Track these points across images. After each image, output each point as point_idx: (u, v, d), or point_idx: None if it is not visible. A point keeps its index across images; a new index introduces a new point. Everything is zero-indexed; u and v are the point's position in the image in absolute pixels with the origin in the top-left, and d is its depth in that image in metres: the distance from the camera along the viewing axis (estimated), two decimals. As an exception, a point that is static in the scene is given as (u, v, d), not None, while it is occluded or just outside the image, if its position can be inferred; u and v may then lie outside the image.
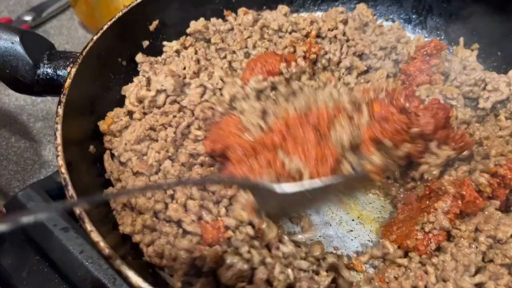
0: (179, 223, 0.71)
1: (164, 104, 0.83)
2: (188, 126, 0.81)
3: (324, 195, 0.76)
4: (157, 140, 0.79)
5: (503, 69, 0.97)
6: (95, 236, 0.56)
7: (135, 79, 0.88)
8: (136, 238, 0.69)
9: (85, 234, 0.56)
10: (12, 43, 0.75)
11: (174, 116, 0.82)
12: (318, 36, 1.00)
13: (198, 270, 0.66)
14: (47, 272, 0.78)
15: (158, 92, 0.83)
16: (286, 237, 0.73)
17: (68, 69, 0.76)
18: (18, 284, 0.76)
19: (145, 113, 0.84)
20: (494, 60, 1.00)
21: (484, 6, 0.99)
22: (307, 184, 0.67)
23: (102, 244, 0.56)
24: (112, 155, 0.79)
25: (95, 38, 0.81)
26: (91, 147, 0.77)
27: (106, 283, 0.71)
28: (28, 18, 1.35)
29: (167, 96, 0.83)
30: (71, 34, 1.35)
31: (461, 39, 1.03)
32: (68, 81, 0.73)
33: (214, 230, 0.70)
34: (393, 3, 1.10)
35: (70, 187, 0.61)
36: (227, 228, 0.70)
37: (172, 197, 0.73)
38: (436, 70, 0.92)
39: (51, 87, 0.78)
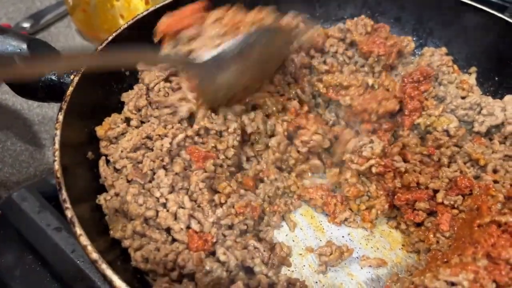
0: (168, 230, 0.73)
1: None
2: (185, 139, 0.83)
3: (252, 60, 0.80)
4: (152, 149, 0.81)
5: (499, 94, 0.99)
6: (84, 240, 0.59)
7: (135, 87, 0.90)
8: (126, 243, 0.71)
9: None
10: (20, 49, 0.79)
11: (172, 127, 0.84)
12: (322, 51, 1.03)
13: (179, 275, 0.68)
14: (40, 271, 0.80)
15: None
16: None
17: (72, 77, 0.79)
18: (10, 282, 0.78)
19: (142, 122, 0.86)
20: (492, 85, 1.02)
21: (484, 33, 1.01)
22: (222, 46, 0.74)
23: (89, 248, 0.58)
24: (108, 161, 0.81)
25: (99, 48, 0.84)
26: (90, 153, 0.79)
27: (97, 281, 0.74)
28: (26, 25, 1.39)
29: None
30: (68, 42, 1.39)
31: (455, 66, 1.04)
32: (70, 88, 0.76)
33: (200, 240, 0.72)
34: (395, 25, 1.12)
35: (63, 191, 0.63)
36: (213, 243, 0.72)
37: (164, 205, 0.75)
38: (428, 95, 0.94)
39: (54, 93, 0.82)
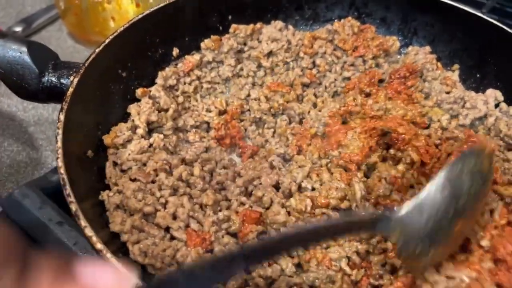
0: (167, 228, 0.76)
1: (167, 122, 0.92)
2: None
3: None
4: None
5: (481, 90, 1.03)
6: (88, 231, 0.61)
7: (143, 100, 0.93)
8: (124, 237, 0.73)
9: (79, 228, 0.61)
10: (20, 52, 0.81)
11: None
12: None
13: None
14: (41, 264, 0.82)
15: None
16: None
17: (71, 78, 0.82)
18: (13, 275, 0.80)
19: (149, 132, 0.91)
20: (473, 81, 1.06)
21: (464, 31, 1.05)
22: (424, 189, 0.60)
23: (94, 238, 0.61)
24: (115, 163, 0.85)
25: (97, 50, 0.86)
26: (89, 152, 0.82)
27: (98, 271, 0.76)
28: (18, 29, 1.41)
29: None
30: (60, 45, 1.41)
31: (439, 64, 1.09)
32: (70, 89, 0.78)
33: (198, 238, 0.74)
34: (380, 25, 1.16)
35: (67, 187, 0.66)
36: (211, 242, 0.75)
37: (164, 206, 0.78)
38: (415, 89, 0.98)
39: (54, 94, 0.84)
